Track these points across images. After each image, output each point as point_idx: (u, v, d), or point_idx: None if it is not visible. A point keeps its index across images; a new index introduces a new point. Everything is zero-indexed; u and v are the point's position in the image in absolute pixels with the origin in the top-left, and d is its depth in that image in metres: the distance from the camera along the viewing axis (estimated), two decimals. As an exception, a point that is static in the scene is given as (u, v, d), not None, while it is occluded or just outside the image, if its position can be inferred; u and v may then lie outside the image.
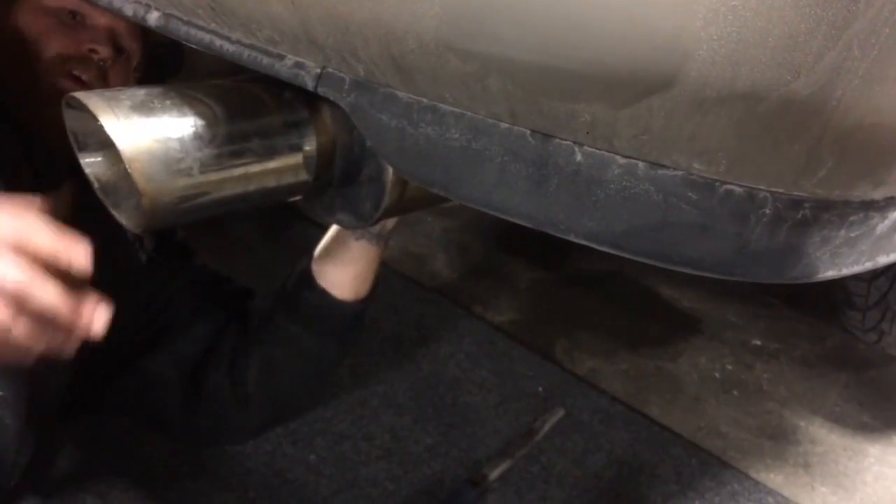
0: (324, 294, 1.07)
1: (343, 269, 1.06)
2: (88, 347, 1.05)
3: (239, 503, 1.23)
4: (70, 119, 0.69)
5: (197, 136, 0.65)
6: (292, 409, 1.34)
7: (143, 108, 0.64)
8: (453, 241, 2.16)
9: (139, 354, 1.15)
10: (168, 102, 0.66)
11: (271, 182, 0.72)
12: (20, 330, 0.60)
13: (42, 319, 0.61)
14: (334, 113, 0.74)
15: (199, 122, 0.66)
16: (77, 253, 0.63)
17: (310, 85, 0.61)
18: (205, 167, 0.66)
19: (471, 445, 1.41)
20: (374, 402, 1.49)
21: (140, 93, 0.65)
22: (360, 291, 1.08)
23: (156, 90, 0.67)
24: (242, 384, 1.14)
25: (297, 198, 0.79)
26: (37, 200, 0.65)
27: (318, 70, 0.60)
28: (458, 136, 0.55)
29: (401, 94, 0.57)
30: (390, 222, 1.00)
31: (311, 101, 0.73)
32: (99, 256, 1.06)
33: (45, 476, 1.20)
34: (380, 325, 1.74)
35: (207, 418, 1.19)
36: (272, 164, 0.71)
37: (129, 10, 0.73)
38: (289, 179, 0.73)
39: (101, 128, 0.65)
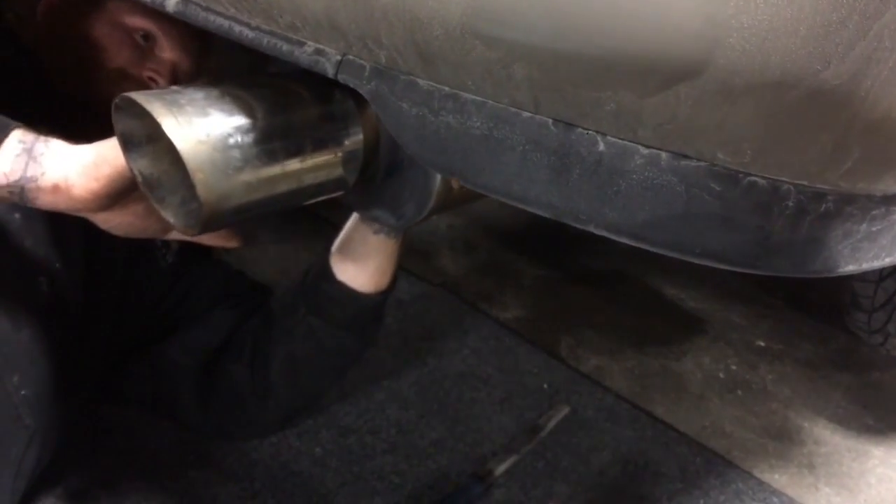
0: (343, 287, 1.06)
1: (361, 262, 1.05)
2: (104, 340, 1.06)
3: (244, 494, 1.23)
4: (118, 121, 0.69)
5: (256, 141, 0.66)
6: (311, 403, 1.33)
7: (204, 115, 0.64)
8: (459, 238, 2.16)
9: (153, 342, 1.15)
10: (225, 107, 0.66)
11: (321, 177, 0.72)
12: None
13: None
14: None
15: (256, 127, 0.66)
16: None
17: (330, 72, 0.61)
18: (262, 172, 0.66)
19: (476, 441, 1.41)
20: (380, 396, 1.49)
21: (198, 96, 0.65)
22: (379, 284, 1.08)
23: (212, 92, 0.66)
24: (264, 377, 1.14)
25: (338, 194, 0.78)
26: None
27: (339, 57, 0.60)
28: (479, 124, 0.55)
29: (422, 81, 0.56)
30: None
31: (355, 96, 0.74)
32: (122, 261, 1.07)
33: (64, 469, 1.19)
34: (386, 320, 1.73)
35: (224, 410, 1.19)
36: (322, 160, 0.71)
37: (147, -3, 0.73)
38: (336, 174, 0.73)
39: (147, 124, 0.65)
